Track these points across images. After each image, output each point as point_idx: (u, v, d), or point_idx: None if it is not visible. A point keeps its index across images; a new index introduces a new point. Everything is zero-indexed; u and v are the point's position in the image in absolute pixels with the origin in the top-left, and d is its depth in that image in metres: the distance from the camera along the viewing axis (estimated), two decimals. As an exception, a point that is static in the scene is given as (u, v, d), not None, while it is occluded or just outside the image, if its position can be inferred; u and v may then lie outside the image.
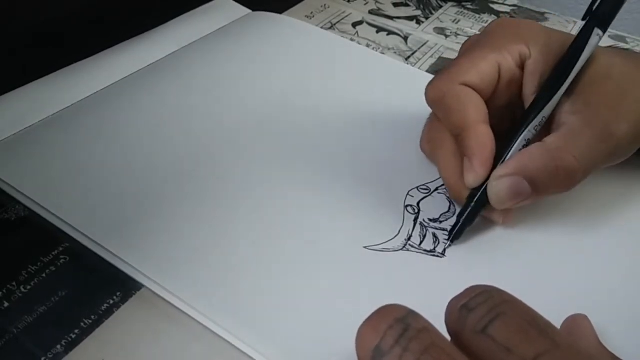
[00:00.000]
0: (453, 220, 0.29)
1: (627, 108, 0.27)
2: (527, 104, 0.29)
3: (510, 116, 0.31)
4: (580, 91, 0.28)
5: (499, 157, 0.28)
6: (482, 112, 0.28)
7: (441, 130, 0.30)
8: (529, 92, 0.29)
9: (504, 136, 0.28)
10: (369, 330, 0.16)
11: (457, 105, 0.28)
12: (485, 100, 0.29)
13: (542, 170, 0.26)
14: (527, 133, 0.28)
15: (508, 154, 0.28)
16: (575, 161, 0.26)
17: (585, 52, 0.28)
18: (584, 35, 0.28)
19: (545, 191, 0.27)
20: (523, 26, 0.31)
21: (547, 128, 0.28)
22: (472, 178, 0.27)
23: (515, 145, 0.28)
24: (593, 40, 0.28)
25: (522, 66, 0.30)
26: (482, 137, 0.28)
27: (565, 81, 0.28)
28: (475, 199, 0.28)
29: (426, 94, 0.30)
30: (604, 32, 0.28)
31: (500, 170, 0.27)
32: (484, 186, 0.27)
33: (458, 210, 0.29)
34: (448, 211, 0.30)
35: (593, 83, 0.28)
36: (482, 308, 0.16)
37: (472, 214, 0.28)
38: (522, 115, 0.28)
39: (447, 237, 0.28)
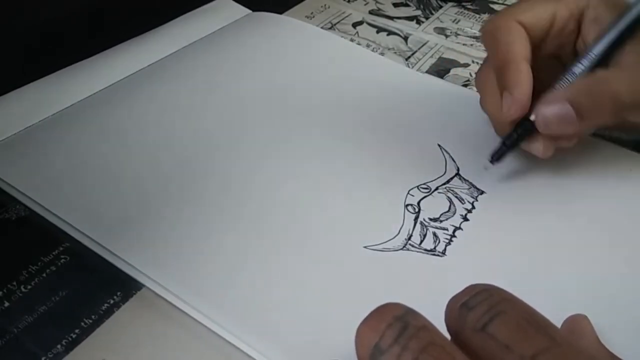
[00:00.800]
0: (453, 219, 0.30)
1: None
2: (585, 50, 0.30)
3: (553, 69, 0.32)
4: (637, 34, 0.29)
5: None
6: (526, 50, 0.30)
7: (489, 71, 0.32)
8: (588, 37, 0.31)
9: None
10: (368, 329, 0.16)
11: (505, 38, 0.30)
12: (536, 44, 0.31)
13: (587, 95, 0.28)
14: (576, 68, 0.29)
15: (555, 85, 0.29)
16: (620, 87, 0.27)
17: None
18: None
19: (589, 117, 0.28)
20: None
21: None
22: (513, 110, 0.29)
23: (563, 77, 0.29)
24: None
25: (578, 19, 0.31)
26: (523, 73, 0.29)
27: (623, 18, 0.29)
28: (521, 127, 0.29)
29: (482, 27, 0.33)
30: None
31: (549, 96, 0.29)
32: (532, 118, 0.29)
33: (458, 205, 0.29)
34: (448, 210, 0.30)
35: None
36: (482, 306, 0.16)
37: (516, 139, 0.30)
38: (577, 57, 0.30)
39: (489, 158, 0.30)
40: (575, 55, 0.31)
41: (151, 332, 0.24)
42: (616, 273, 0.28)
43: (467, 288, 0.17)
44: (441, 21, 0.51)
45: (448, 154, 0.34)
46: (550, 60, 0.32)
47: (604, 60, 0.29)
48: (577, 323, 0.24)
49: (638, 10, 0.29)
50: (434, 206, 0.30)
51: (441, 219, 0.30)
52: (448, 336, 0.17)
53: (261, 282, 0.26)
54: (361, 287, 0.26)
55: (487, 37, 0.32)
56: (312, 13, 0.50)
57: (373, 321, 0.16)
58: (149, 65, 0.39)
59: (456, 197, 0.31)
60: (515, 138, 0.30)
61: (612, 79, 0.28)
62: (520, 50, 0.30)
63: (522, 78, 0.29)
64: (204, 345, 0.24)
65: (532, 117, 0.29)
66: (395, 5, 0.53)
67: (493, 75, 0.31)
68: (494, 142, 0.31)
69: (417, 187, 0.31)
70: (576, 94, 0.28)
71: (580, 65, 0.29)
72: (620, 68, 0.29)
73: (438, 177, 0.32)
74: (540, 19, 0.31)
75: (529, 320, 0.16)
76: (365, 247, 0.28)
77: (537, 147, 0.30)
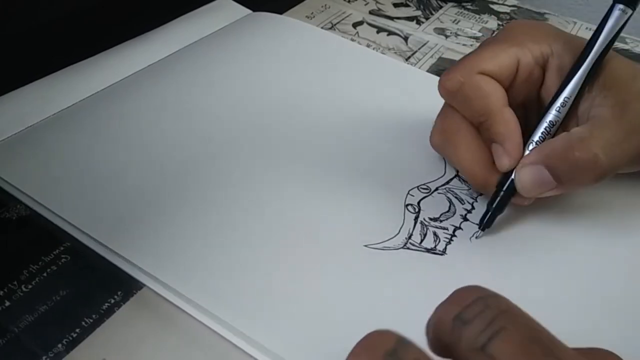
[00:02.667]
0: (453, 219, 0.30)
1: None
2: (549, 99, 0.29)
3: (524, 116, 0.30)
4: (612, 86, 0.27)
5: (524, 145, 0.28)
6: (504, 98, 0.29)
7: (457, 120, 0.30)
8: (553, 85, 0.29)
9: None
10: None
11: (477, 93, 0.28)
12: None
13: (563, 160, 0.26)
14: (551, 116, 0.28)
15: (532, 139, 0.28)
16: (599, 151, 0.25)
17: (608, 23, 0.27)
18: (607, 13, 0.28)
19: (568, 182, 0.26)
20: (541, 27, 0.31)
21: (576, 124, 0.28)
22: (507, 162, 0.28)
23: (539, 130, 0.28)
24: (615, 12, 0.27)
25: (542, 65, 0.29)
26: (510, 122, 0.28)
27: (589, 55, 0.27)
28: (505, 186, 0.28)
29: (442, 85, 0.29)
30: (633, 10, 0.27)
31: (525, 158, 0.27)
32: (513, 173, 0.28)
33: (458, 206, 0.29)
34: (448, 211, 0.30)
35: (626, 80, 0.27)
36: (480, 321, 0.15)
37: (502, 202, 0.28)
38: (548, 104, 0.28)
39: (478, 226, 0.29)
40: (540, 104, 0.30)
41: (152, 331, 0.24)
42: (616, 272, 0.28)
43: (458, 294, 0.16)
44: (441, 21, 0.51)
45: (448, 154, 0.34)
46: (517, 108, 0.30)
47: (573, 106, 0.28)
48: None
49: (597, 52, 0.27)
50: (433, 206, 0.30)
51: (441, 218, 0.30)
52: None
53: (262, 281, 0.26)
54: (362, 286, 0.26)
55: (454, 95, 0.29)
56: (312, 13, 0.50)
57: (362, 357, 0.15)
58: (149, 66, 0.39)
59: (456, 197, 0.31)
60: (503, 197, 0.28)
61: (589, 141, 0.26)
62: (498, 100, 0.28)
63: (511, 127, 0.28)
64: (205, 344, 0.24)
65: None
66: (396, 5, 0.53)
67: (466, 126, 0.29)
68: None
69: (417, 187, 0.31)
70: (553, 158, 0.26)
71: (551, 115, 0.28)
72: (594, 126, 0.26)
73: (438, 178, 0.32)
74: (505, 67, 0.29)
75: (534, 338, 0.14)
76: (365, 245, 0.28)
77: (522, 201, 0.28)
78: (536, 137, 0.28)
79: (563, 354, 0.14)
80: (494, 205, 0.28)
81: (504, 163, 0.28)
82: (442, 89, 0.30)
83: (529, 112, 0.31)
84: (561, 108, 0.28)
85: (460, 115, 0.30)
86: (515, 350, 0.14)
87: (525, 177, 0.27)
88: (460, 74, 0.29)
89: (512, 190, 0.28)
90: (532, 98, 0.30)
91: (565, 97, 0.28)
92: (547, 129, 0.28)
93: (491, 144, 0.29)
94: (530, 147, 0.28)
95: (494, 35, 0.31)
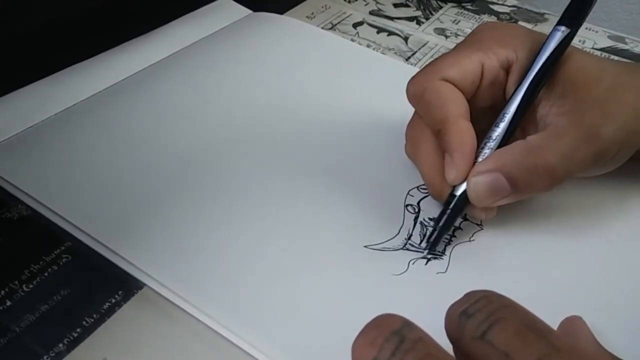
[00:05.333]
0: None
1: (617, 111, 0.26)
2: None
3: (492, 121, 0.29)
4: (570, 92, 0.27)
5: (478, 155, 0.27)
6: (462, 107, 0.28)
7: (422, 128, 0.30)
8: (510, 92, 0.29)
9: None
10: (365, 343, 0.16)
11: (437, 100, 0.28)
12: (467, 99, 0.29)
13: (520, 168, 0.26)
14: (498, 130, 0.27)
15: (483, 149, 0.27)
16: (554, 159, 0.25)
17: (548, 43, 0.28)
18: (550, 32, 0.28)
19: (524, 190, 0.26)
20: (511, 30, 0.31)
21: (535, 129, 0.28)
22: (454, 174, 0.27)
23: (488, 142, 0.27)
24: (555, 34, 0.28)
25: (507, 69, 0.29)
26: (463, 132, 0.27)
27: (528, 73, 0.27)
28: (452, 205, 0.27)
29: (407, 89, 0.30)
30: (572, 29, 0.28)
31: (478, 166, 0.27)
32: (461, 190, 0.27)
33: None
34: (448, 211, 0.30)
35: (583, 85, 0.27)
36: (481, 314, 0.16)
37: (449, 219, 0.27)
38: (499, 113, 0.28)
39: (426, 247, 0.28)
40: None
41: (152, 330, 0.24)
42: (616, 275, 0.28)
43: (466, 295, 0.17)
44: (441, 22, 0.51)
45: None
46: (487, 112, 0.29)
47: (526, 111, 0.27)
48: (574, 324, 0.23)
49: (547, 54, 0.27)
50: (433, 206, 0.30)
51: (441, 218, 0.30)
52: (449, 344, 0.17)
53: (261, 281, 0.26)
54: (361, 287, 0.26)
55: (416, 100, 0.29)
56: (312, 13, 0.50)
57: (370, 335, 0.16)
58: (150, 66, 0.39)
59: (456, 197, 0.31)
60: (447, 218, 0.27)
61: (545, 149, 0.26)
62: (455, 109, 0.28)
63: (463, 139, 0.27)
64: (205, 343, 0.24)
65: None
66: (396, 5, 0.53)
67: (428, 134, 0.29)
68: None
69: (417, 187, 0.31)
70: (509, 165, 0.26)
71: (498, 130, 0.27)
72: (551, 134, 0.26)
73: (438, 177, 0.32)
74: (468, 73, 0.28)
75: (529, 326, 0.16)
76: (365, 246, 0.28)
77: (478, 213, 0.28)
78: (485, 148, 0.27)
79: (556, 340, 0.15)
80: (440, 224, 0.27)
81: (450, 174, 0.27)
82: (408, 94, 0.30)
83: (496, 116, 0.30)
84: (499, 123, 0.27)
85: (423, 123, 0.29)
86: (511, 336, 0.15)
87: (479, 185, 0.26)
88: (424, 79, 0.29)
89: (460, 207, 0.27)
90: (499, 102, 0.30)
91: (504, 113, 0.28)
92: (491, 141, 0.27)
93: (445, 160, 0.28)
94: (480, 158, 0.27)
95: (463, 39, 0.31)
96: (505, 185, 0.26)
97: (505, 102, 0.28)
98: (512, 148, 0.27)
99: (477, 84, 0.29)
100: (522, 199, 0.27)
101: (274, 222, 0.29)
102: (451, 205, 0.27)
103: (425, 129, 0.29)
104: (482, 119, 0.29)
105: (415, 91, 0.29)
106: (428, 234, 0.28)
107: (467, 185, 0.27)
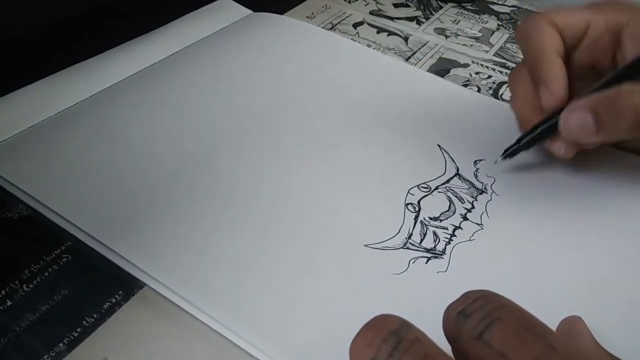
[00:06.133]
0: (453, 219, 0.30)
1: None
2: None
3: (590, 81, 0.31)
4: None
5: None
6: (558, 45, 0.31)
7: (520, 72, 0.32)
8: (628, 53, 0.30)
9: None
10: (362, 344, 0.16)
11: (536, 35, 0.31)
12: (567, 48, 0.31)
13: (607, 105, 0.27)
14: (615, 75, 0.29)
15: (595, 88, 0.29)
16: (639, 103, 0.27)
17: None
18: None
19: (608, 130, 0.27)
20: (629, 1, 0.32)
21: None
22: (551, 100, 0.29)
23: (600, 85, 0.29)
24: None
25: (615, 33, 0.31)
26: (557, 66, 0.30)
27: None
28: (540, 128, 0.30)
29: (516, 28, 0.33)
30: None
31: (573, 102, 0.28)
32: (550, 120, 0.29)
33: (458, 205, 0.29)
34: (448, 210, 0.30)
35: None
36: (479, 314, 0.16)
37: (532, 140, 0.30)
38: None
39: (501, 155, 0.31)
40: (615, 70, 0.31)
41: (153, 330, 0.24)
42: (617, 275, 0.28)
43: (464, 295, 0.17)
44: (441, 22, 0.51)
45: (448, 154, 0.34)
46: (587, 72, 0.32)
47: (637, 76, 0.29)
48: (573, 324, 0.23)
49: None
50: (434, 205, 0.30)
51: (441, 218, 0.30)
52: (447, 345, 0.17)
53: (262, 281, 0.26)
54: (361, 286, 0.26)
55: (520, 36, 0.33)
56: (312, 13, 0.50)
57: (368, 336, 0.16)
58: (150, 66, 0.39)
59: (456, 196, 0.31)
60: (531, 139, 0.30)
61: (635, 93, 0.27)
62: (551, 44, 0.30)
63: (556, 71, 0.29)
64: (205, 343, 0.24)
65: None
66: (396, 5, 0.53)
67: (526, 75, 0.31)
68: (495, 142, 0.31)
69: (417, 186, 0.31)
70: (598, 103, 0.28)
71: (612, 77, 0.29)
72: None
73: (438, 177, 0.32)
74: (574, 25, 0.31)
75: (526, 326, 0.16)
76: (365, 245, 0.28)
77: (559, 148, 0.30)
78: (587, 93, 0.29)
79: (554, 340, 0.15)
80: (524, 141, 0.30)
81: (547, 101, 0.29)
82: (515, 31, 0.34)
83: (600, 75, 0.32)
84: (619, 75, 0.29)
85: (523, 67, 0.32)
86: (509, 336, 0.15)
87: (571, 119, 0.28)
88: (532, 18, 0.32)
89: (546, 134, 0.30)
90: (605, 63, 0.32)
91: (625, 67, 0.29)
92: (600, 88, 0.29)
93: (540, 88, 0.30)
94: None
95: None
96: (591, 122, 0.27)
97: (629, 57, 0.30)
98: (605, 90, 0.28)
99: (579, 37, 0.31)
100: (608, 141, 0.29)
101: (275, 222, 0.29)
102: (539, 130, 0.30)
103: (524, 72, 0.32)
104: (581, 77, 0.31)
105: (522, 28, 0.32)
106: (507, 147, 0.31)
107: (561, 118, 0.28)
